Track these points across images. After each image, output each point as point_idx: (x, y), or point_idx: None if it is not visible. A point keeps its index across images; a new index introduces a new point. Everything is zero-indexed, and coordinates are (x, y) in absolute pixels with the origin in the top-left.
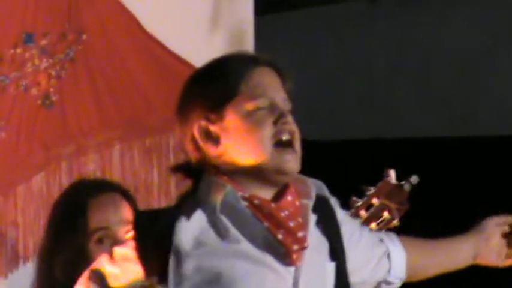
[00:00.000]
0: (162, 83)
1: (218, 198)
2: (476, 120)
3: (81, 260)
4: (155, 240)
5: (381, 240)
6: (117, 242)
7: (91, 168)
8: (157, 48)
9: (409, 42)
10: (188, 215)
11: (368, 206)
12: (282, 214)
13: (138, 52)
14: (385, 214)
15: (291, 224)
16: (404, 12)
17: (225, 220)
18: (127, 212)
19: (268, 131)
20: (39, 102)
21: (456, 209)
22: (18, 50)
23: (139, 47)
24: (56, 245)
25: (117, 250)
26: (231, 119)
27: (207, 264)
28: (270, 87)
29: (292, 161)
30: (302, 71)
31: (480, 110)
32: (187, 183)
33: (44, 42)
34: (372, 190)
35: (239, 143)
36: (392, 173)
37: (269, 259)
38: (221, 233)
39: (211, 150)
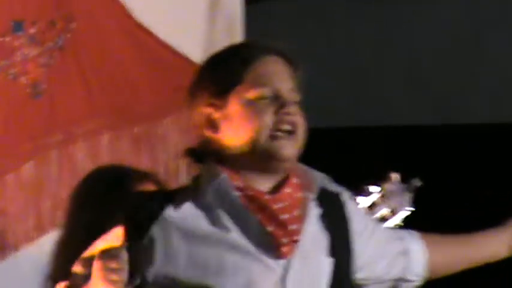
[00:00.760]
0: (151, 71)
1: (210, 186)
2: (465, 108)
3: None
4: (143, 218)
5: (401, 238)
6: None
7: (80, 156)
8: (146, 37)
9: (397, 30)
10: (182, 199)
11: (370, 205)
12: (275, 206)
13: (127, 41)
14: (387, 213)
15: (283, 217)
16: (391, 1)
17: (218, 209)
18: None
19: (267, 120)
20: (28, 91)
21: (445, 196)
22: (7, 39)
23: (129, 36)
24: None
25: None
26: (233, 106)
27: (195, 250)
28: (276, 76)
29: (287, 147)
30: None
31: (469, 98)
32: (176, 172)
33: (32, 30)
34: (374, 189)
35: (237, 129)
36: (396, 175)
37: (259, 251)
38: (212, 220)
39: (211, 136)
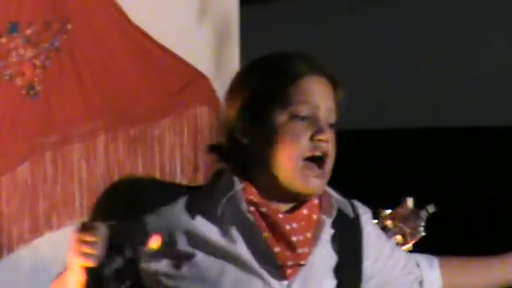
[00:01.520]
0: (147, 73)
1: (223, 197)
2: (461, 111)
3: None
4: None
5: (418, 265)
6: None
7: (75, 158)
8: (142, 38)
9: (393, 32)
10: (196, 207)
11: (381, 228)
12: (288, 227)
13: (123, 42)
14: (398, 238)
15: (294, 239)
16: (387, 2)
17: (229, 221)
18: None
19: (303, 146)
20: (23, 92)
21: (441, 197)
22: (3, 40)
23: (125, 37)
24: None
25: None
26: (271, 120)
27: (198, 254)
28: (317, 95)
29: (318, 186)
30: None
31: (465, 100)
32: (171, 174)
33: (28, 31)
34: (386, 212)
35: (269, 146)
36: (410, 200)
37: (262, 269)
38: (222, 232)
39: (243, 143)
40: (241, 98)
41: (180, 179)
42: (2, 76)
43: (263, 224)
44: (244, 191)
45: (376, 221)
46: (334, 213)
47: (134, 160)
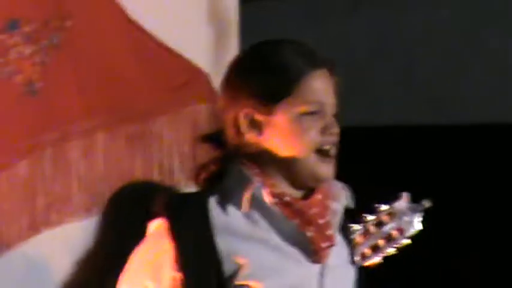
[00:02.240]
0: (146, 70)
1: (246, 197)
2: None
3: None
4: (190, 219)
5: None
6: None
7: (74, 155)
8: (142, 35)
9: (392, 29)
10: (220, 202)
11: (378, 223)
12: (311, 211)
13: (123, 39)
14: (395, 233)
15: (321, 222)
16: (387, 2)
17: (255, 214)
18: None
19: (314, 138)
20: (23, 89)
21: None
22: (2, 37)
23: (124, 34)
24: None
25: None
26: (280, 116)
27: (236, 247)
28: (322, 91)
29: (329, 172)
30: None
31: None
32: (170, 171)
33: (28, 28)
34: (383, 208)
35: (283, 140)
36: (406, 195)
37: (297, 254)
38: (252, 222)
39: (252, 138)
40: (248, 98)
41: (179, 176)
42: (0, 73)
43: (288, 213)
44: (263, 185)
45: (373, 216)
46: (344, 200)
47: (133, 157)
